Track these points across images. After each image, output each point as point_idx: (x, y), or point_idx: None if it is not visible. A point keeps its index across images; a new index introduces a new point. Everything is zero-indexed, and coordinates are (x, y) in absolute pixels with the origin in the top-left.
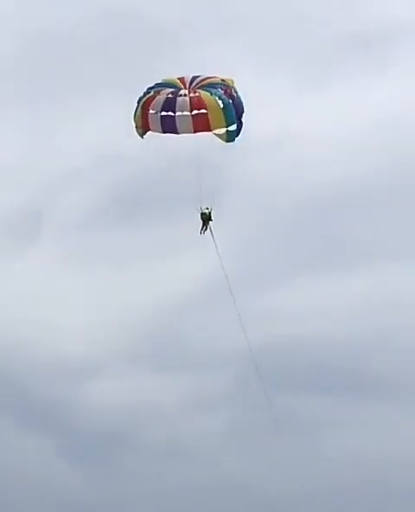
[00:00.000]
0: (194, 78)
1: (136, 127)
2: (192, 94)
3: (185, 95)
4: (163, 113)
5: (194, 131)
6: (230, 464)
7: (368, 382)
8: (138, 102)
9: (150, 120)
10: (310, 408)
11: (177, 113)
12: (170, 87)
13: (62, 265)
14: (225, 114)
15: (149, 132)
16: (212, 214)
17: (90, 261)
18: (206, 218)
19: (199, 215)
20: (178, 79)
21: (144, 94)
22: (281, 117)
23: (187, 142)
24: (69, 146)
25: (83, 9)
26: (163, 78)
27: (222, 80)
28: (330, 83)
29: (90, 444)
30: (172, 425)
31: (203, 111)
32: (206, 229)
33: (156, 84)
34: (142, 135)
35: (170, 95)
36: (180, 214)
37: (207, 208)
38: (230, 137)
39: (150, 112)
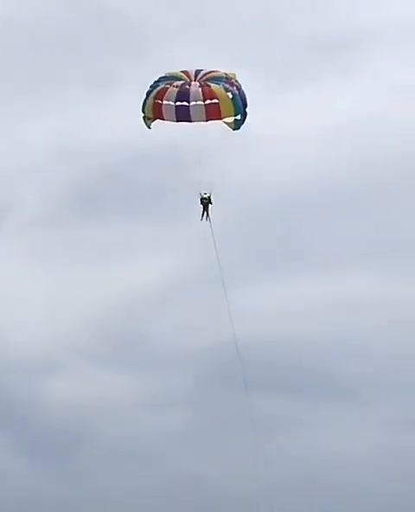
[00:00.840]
0: (197, 71)
1: (144, 118)
2: (204, 86)
3: (197, 86)
4: (178, 103)
5: (207, 120)
6: (188, 463)
7: (329, 382)
8: (148, 94)
9: (163, 110)
10: (272, 408)
11: (192, 103)
12: (178, 80)
13: (22, 261)
14: (234, 104)
15: (156, 122)
16: (211, 198)
17: (50, 258)
18: (206, 202)
19: (199, 201)
20: (182, 72)
21: (153, 87)
22: (248, 118)
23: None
24: (31, 141)
25: (48, 4)
26: (167, 71)
27: (225, 74)
28: (298, 86)
29: (47, 441)
30: (130, 424)
31: (215, 100)
32: (207, 215)
33: (162, 77)
34: (149, 125)
35: (183, 86)
36: (141, 211)
37: (206, 194)
38: (237, 125)
39: (164, 102)
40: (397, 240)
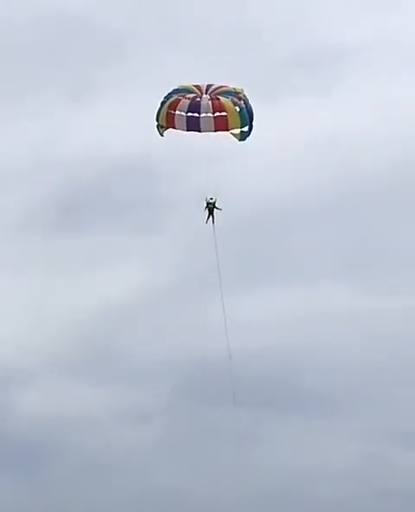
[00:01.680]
0: (208, 86)
1: (158, 126)
2: (214, 99)
3: (208, 99)
4: (189, 114)
5: (215, 130)
6: (162, 476)
7: (303, 395)
8: (162, 104)
9: (175, 120)
10: (246, 421)
11: (202, 114)
12: (190, 93)
13: None
14: (240, 117)
15: (168, 131)
16: (216, 204)
17: (24, 267)
18: (211, 207)
19: (204, 205)
20: (194, 86)
21: (167, 98)
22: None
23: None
24: (8, 151)
25: (28, 11)
26: (180, 84)
27: (234, 89)
28: (279, 101)
29: (19, 453)
30: (104, 437)
31: (223, 113)
32: (211, 219)
33: (175, 89)
34: (162, 133)
35: (195, 99)
36: (117, 221)
37: (212, 199)
38: (243, 136)
39: (177, 112)
40: (371, 253)
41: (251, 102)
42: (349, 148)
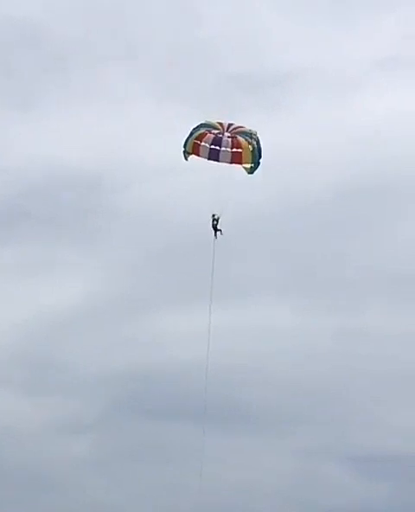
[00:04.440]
0: (229, 124)
1: (185, 152)
2: (233, 137)
3: (228, 136)
4: (212, 146)
5: (231, 162)
6: (95, 490)
7: (238, 411)
8: (191, 135)
9: (200, 149)
10: (179, 436)
11: (222, 148)
12: (215, 129)
13: None
14: (252, 155)
15: (192, 157)
16: (219, 220)
17: None
18: (215, 224)
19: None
20: (218, 123)
21: (195, 130)
22: (172, 145)
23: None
24: None
25: None
26: (206, 120)
27: (249, 130)
28: (222, 116)
29: None
30: (37, 450)
31: (239, 150)
32: (216, 234)
33: (202, 124)
34: (187, 158)
35: (218, 135)
36: (60, 232)
37: (215, 215)
38: (251, 170)
39: (202, 143)
40: (308, 272)
41: (197, 118)
42: (291, 168)
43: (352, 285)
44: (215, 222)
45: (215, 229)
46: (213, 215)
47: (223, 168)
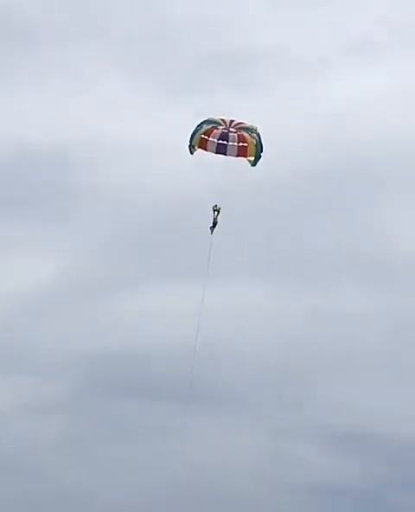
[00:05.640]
0: (231, 121)
1: (191, 146)
2: (239, 132)
3: (234, 132)
4: (220, 141)
5: (237, 156)
6: (64, 472)
7: (212, 391)
8: (196, 132)
9: (208, 144)
10: (153, 416)
11: (229, 143)
12: (219, 125)
13: None
14: (255, 149)
15: (198, 151)
16: (219, 211)
17: None
18: (215, 217)
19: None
20: (221, 119)
21: (200, 126)
22: (141, 124)
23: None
24: None
25: None
26: (209, 117)
27: (250, 125)
28: (193, 97)
29: None
30: (7, 432)
31: (245, 144)
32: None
33: (206, 120)
34: (192, 152)
35: (223, 131)
36: (26, 210)
37: (215, 206)
38: (254, 162)
39: (209, 139)
40: (286, 252)
41: (166, 97)
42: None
43: (325, 267)
44: (216, 214)
45: (214, 223)
46: (215, 206)
47: (230, 160)
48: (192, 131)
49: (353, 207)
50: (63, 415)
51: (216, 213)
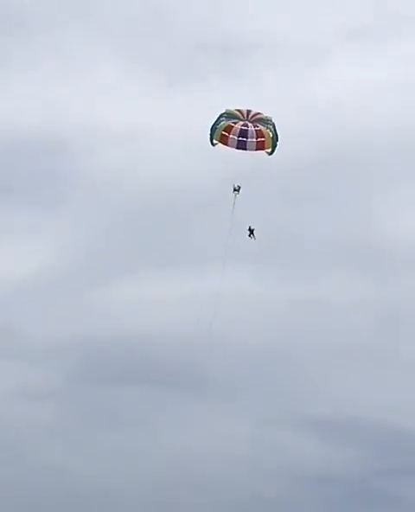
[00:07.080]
0: (248, 111)
1: (213, 139)
2: (256, 127)
3: (252, 127)
4: (240, 138)
5: (256, 150)
6: (55, 456)
7: (201, 378)
8: (216, 127)
9: (229, 140)
10: (141, 402)
11: (248, 139)
12: (236, 118)
13: None
14: (272, 140)
15: (219, 145)
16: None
17: None
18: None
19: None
20: (237, 110)
21: (218, 121)
22: (135, 111)
23: None
24: None
25: None
26: (227, 109)
27: (266, 117)
28: (187, 83)
29: None
30: None
31: (263, 139)
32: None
33: (223, 114)
34: (213, 145)
35: (243, 127)
36: (18, 196)
37: (235, 185)
38: (271, 152)
39: (230, 136)
40: (272, 240)
41: (161, 83)
42: None
43: (310, 256)
44: (237, 191)
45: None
46: (234, 185)
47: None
48: (212, 125)
49: (341, 196)
50: (52, 401)
51: (236, 191)
